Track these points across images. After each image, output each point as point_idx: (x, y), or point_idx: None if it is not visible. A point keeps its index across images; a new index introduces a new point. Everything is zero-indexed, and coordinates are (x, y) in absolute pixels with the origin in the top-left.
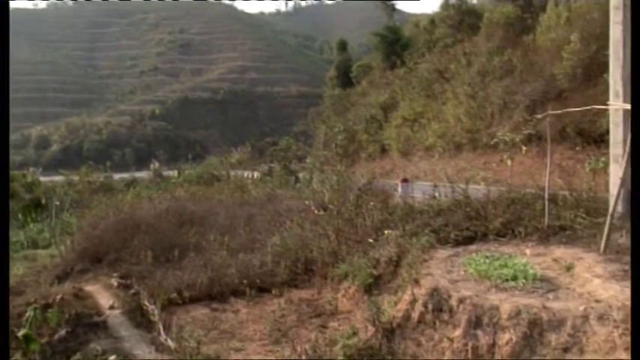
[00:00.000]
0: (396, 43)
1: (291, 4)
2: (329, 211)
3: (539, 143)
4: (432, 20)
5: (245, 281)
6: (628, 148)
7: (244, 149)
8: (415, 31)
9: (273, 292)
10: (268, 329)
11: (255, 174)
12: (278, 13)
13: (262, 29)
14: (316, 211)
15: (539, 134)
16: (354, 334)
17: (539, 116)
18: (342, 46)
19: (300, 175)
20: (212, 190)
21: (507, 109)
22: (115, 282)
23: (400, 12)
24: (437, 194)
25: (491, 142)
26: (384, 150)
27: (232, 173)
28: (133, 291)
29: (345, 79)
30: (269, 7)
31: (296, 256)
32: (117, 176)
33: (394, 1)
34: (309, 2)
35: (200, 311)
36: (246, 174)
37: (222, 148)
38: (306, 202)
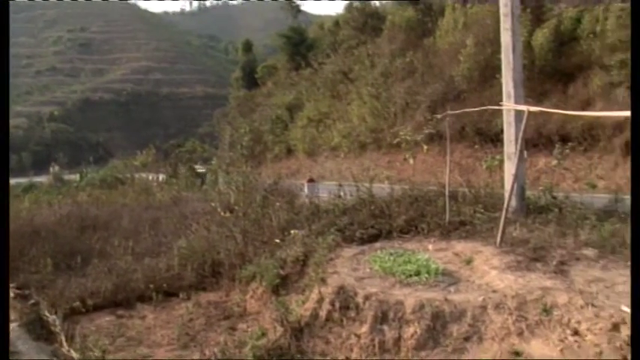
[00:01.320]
0: (301, 44)
1: (195, 4)
2: (235, 212)
3: (441, 142)
4: (337, 22)
5: (151, 286)
6: (519, 146)
7: (149, 151)
8: (320, 33)
9: (181, 295)
10: (176, 334)
11: (161, 176)
12: (182, 12)
13: (166, 29)
14: (222, 213)
15: (440, 133)
16: (263, 334)
17: (438, 116)
18: (248, 46)
19: (206, 176)
20: (116, 194)
21: (409, 109)
22: (11, 293)
23: (305, 13)
24: (342, 193)
25: (394, 142)
26: (290, 150)
27: (137, 176)
28: (32, 301)
29: (251, 80)
30: (173, 7)
31: (203, 258)
32: (13, 181)
33: (299, 3)
34: (214, 2)
35: (105, 319)
36: (151, 177)
37: (126, 151)
38: (212, 204)
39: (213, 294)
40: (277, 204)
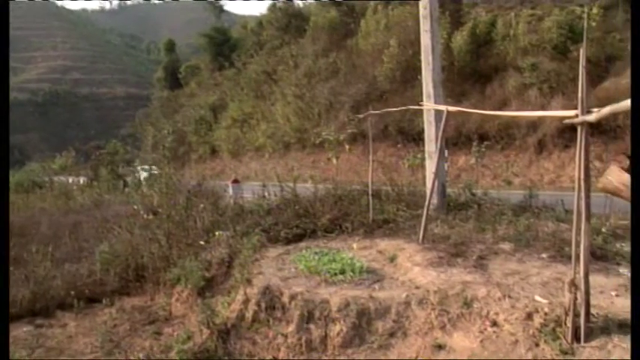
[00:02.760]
0: (225, 44)
1: (115, 2)
2: (159, 214)
3: (364, 141)
4: (260, 22)
5: (72, 293)
6: (440, 145)
7: (68, 154)
8: (243, 33)
9: (104, 301)
10: (100, 341)
11: (81, 179)
12: (102, 10)
13: (85, 27)
14: (146, 216)
15: (364, 133)
16: (189, 338)
17: (360, 116)
18: (170, 46)
19: (129, 179)
20: (33, 198)
21: (333, 109)
22: None
23: (228, 13)
24: (266, 194)
25: (318, 142)
26: (214, 151)
27: (56, 179)
28: None
29: (174, 81)
30: (92, 5)
31: (126, 262)
32: None
33: (222, 3)
34: (135, 1)
35: (22, 329)
36: (71, 180)
37: (43, 154)
38: (135, 207)
39: (138, 298)
40: (201, 205)
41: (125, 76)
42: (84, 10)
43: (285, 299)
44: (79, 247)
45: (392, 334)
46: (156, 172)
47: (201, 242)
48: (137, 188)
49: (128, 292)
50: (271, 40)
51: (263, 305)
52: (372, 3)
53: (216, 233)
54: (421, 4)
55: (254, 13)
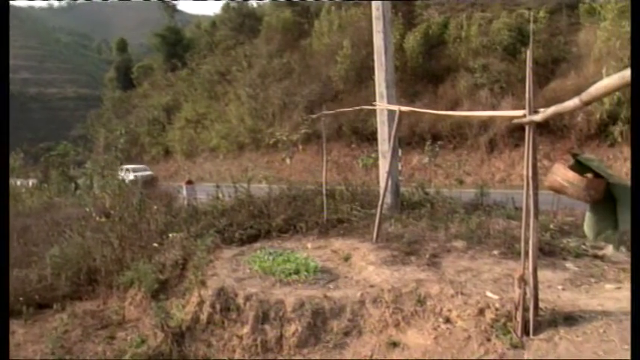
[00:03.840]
0: (178, 44)
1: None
2: (111, 217)
3: (318, 142)
4: (214, 22)
5: (21, 299)
6: (393, 145)
7: (16, 156)
8: (197, 33)
9: (55, 307)
10: (50, 348)
11: (31, 182)
12: (50, 8)
13: (34, 25)
14: (98, 218)
15: (318, 133)
16: (143, 341)
17: (313, 116)
18: (122, 46)
19: (80, 181)
20: None
21: (287, 109)
22: None
23: (181, 13)
24: (220, 195)
25: (272, 142)
26: (168, 152)
27: None
28: None
29: (126, 81)
30: (40, 2)
31: (78, 266)
32: None
33: (175, 2)
34: None
35: None
36: (19, 182)
37: None
38: (87, 209)
39: (90, 303)
40: (155, 207)
41: (75, 76)
42: (32, 8)
43: (240, 300)
44: (28, 251)
45: (347, 333)
46: (149, 172)
47: (155, 244)
48: (89, 190)
49: (80, 297)
50: (225, 40)
51: (218, 307)
52: (325, 4)
53: (170, 235)
54: (374, 6)
55: (208, 13)
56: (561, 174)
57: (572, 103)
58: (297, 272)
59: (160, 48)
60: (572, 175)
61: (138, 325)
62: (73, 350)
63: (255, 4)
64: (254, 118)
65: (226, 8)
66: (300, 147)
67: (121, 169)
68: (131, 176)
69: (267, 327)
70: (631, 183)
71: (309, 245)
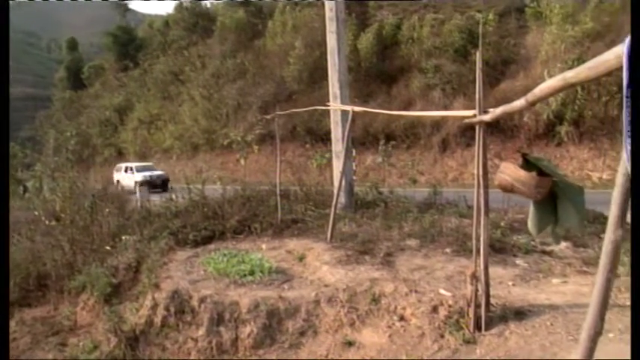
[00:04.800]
0: (130, 43)
1: None
2: (62, 220)
3: (273, 142)
4: (167, 22)
5: None
6: (346, 145)
7: None
8: (149, 32)
9: None
10: None
11: None
12: None
13: None
14: (48, 222)
15: (272, 134)
16: (96, 347)
17: (268, 117)
18: (72, 45)
19: (29, 184)
20: None
21: (241, 109)
22: None
23: (133, 12)
24: (174, 196)
25: (226, 143)
26: (120, 153)
27: None
28: None
29: (77, 81)
30: None
31: (27, 271)
32: None
33: (127, 1)
34: None
35: None
36: None
37: None
38: (36, 213)
39: (40, 309)
40: (107, 210)
41: (23, 76)
42: None
43: (195, 302)
44: None
45: (302, 333)
46: (161, 172)
47: (107, 247)
48: (38, 193)
49: (29, 303)
50: (178, 40)
51: (172, 310)
52: (279, 4)
53: (123, 238)
54: (327, 6)
55: (160, 13)
56: (511, 172)
57: (519, 103)
58: (251, 273)
59: (111, 47)
60: (522, 174)
61: (90, 331)
62: (21, 359)
63: (208, 4)
64: (208, 118)
65: (179, 8)
66: (255, 147)
67: (119, 169)
68: (137, 176)
69: (222, 329)
70: (631, 183)
71: (263, 246)
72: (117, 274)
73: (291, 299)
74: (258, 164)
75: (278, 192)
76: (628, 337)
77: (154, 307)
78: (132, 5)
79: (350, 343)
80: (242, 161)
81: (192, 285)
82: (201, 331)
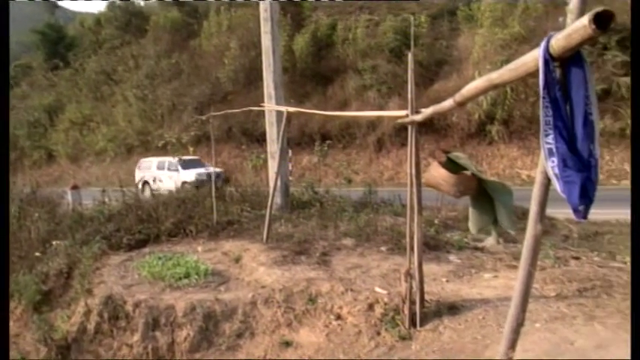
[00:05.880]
0: (60, 42)
1: None
2: None
3: (209, 143)
4: (98, 20)
5: None
6: (281, 145)
7: None
8: (80, 31)
9: None
10: None
11: None
12: None
13: None
14: None
15: (208, 135)
16: (24, 359)
17: (203, 117)
18: None
19: None
20: None
21: (177, 110)
22: None
23: (63, 9)
24: (107, 199)
25: (160, 144)
26: (51, 156)
27: None
28: None
29: None
30: None
31: None
32: None
33: None
34: None
35: None
36: None
37: None
38: None
39: None
40: (36, 214)
41: None
42: None
43: (129, 308)
44: None
45: (239, 335)
46: (216, 169)
47: (37, 254)
48: None
49: None
50: (110, 39)
51: (106, 316)
52: (214, 4)
53: (54, 243)
54: (262, 7)
55: (91, 11)
56: (435, 171)
57: (448, 103)
58: (187, 276)
59: (39, 46)
60: (443, 172)
61: (18, 341)
62: None
63: (142, 3)
64: (143, 119)
65: (111, 6)
66: (190, 149)
67: (146, 165)
68: (184, 175)
69: (157, 333)
70: (631, 183)
71: (199, 248)
72: (47, 281)
73: (228, 301)
74: None
75: (213, 193)
76: (554, 326)
77: (87, 313)
78: (61, 2)
79: (287, 344)
80: None
81: (126, 290)
82: (136, 337)
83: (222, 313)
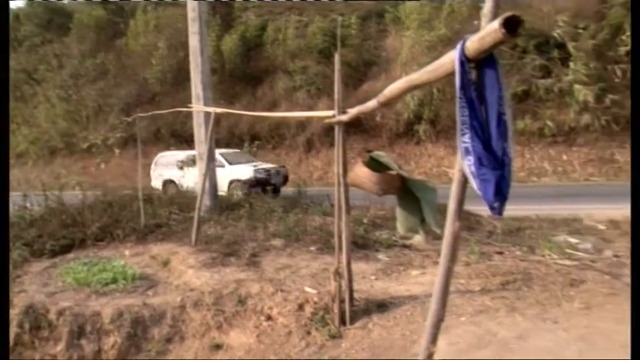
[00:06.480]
0: None
1: None
2: None
3: (136, 145)
4: (17, 16)
5: None
6: (209, 146)
7: None
8: None
9: None
10: None
11: None
12: None
13: None
14: None
15: (135, 136)
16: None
17: (129, 119)
18: None
19: None
20: None
21: (103, 112)
22: None
23: None
24: (29, 204)
25: (85, 146)
26: None
27: None
28: None
29: None
30: None
31: None
32: None
33: None
34: None
35: None
36: None
37: None
38: None
39: None
40: None
41: None
42: None
43: (52, 316)
44: None
45: (169, 340)
46: (275, 165)
47: None
48: None
49: None
50: (31, 36)
51: (27, 326)
52: (141, 3)
53: None
54: (189, 6)
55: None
56: (359, 171)
57: (372, 104)
58: (114, 281)
59: None
60: (366, 171)
61: None
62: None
63: (65, 0)
64: (67, 120)
65: (31, 2)
66: (117, 151)
67: (169, 161)
68: (234, 172)
69: (83, 342)
70: (631, 182)
71: (126, 252)
72: None
73: (156, 306)
74: (121, 168)
75: (141, 196)
76: (478, 319)
77: None
78: None
79: (218, 346)
80: (103, 165)
81: (49, 298)
82: (60, 346)
83: (150, 318)
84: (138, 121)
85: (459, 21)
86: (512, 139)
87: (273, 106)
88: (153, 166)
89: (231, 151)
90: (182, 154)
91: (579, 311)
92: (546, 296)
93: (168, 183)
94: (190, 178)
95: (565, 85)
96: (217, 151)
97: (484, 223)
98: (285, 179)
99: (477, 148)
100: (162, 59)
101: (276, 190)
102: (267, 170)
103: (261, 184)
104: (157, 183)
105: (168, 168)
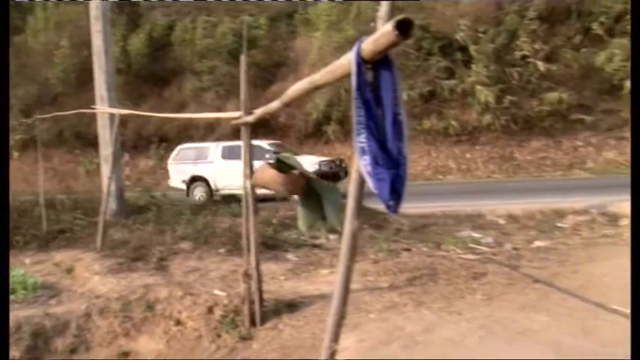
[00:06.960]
0: None
1: None
2: None
3: (37, 148)
4: None
5: None
6: (114, 149)
7: None
8: None
9: None
10: None
11: None
12: None
13: None
14: None
15: (36, 139)
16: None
17: (28, 120)
18: None
19: None
20: None
21: None
22: None
23: None
24: None
25: None
26: None
27: None
28: None
29: None
30: None
31: None
32: None
33: None
34: None
35: None
36: None
37: None
38: None
39: None
40: None
41: None
42: None
43: None
44: None
45: (73, 350)
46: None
47: None
48: None
49: None
50: None
51: None
52: None
53: None
54: (92, 4)
55: None
56: (264, 172)
57: (276, 104)
58: (13, 292)
59: None
60: (272, 172)
61: None
62: None
63: None
64: None
65: None
66: (15, 154)
67: (195, 154)
68: (310, 164)
69: None
70: (631, 182)
71: (27, 260)
72: None
73: (60, 315)
74: (21, 172)
75: (42, 201)
76: (386, 315)
77: None
78: None
79: (126, 354)
80: None
81: None
82: None
83: (53, 329)
84: (38, 122)
85: (365, 23)
86: (419, 139)
87: (181, 107)
88: (170, 161)
89: (271, 142)
90: (220, 146)
91: (481, 302)
92: (451, 290)
93: (194, 181)
94: (227, 176)
95: (468, 86)
96: (264, 143)
97: (391, 221)
98: (346, 173)
99: (373, 148)
100: (65, 58)
101: None
102: (332, 162)
103: (327, 177)
104: (176, 181)
105: (195, 163)
